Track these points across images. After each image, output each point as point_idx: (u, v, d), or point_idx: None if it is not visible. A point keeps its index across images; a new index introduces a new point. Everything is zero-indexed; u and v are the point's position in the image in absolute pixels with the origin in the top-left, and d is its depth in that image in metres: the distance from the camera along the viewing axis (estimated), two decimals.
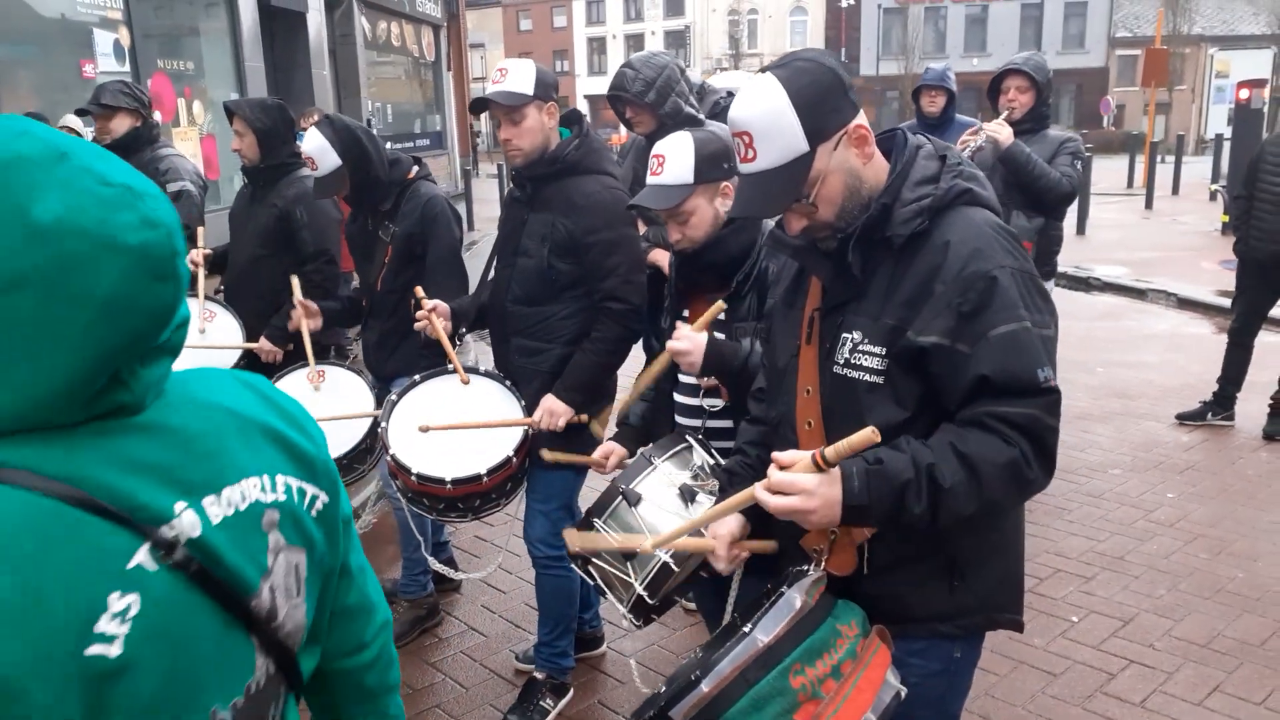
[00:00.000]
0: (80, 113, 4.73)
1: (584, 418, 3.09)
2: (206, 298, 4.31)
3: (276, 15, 14.26)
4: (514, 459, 3.06)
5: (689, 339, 2.54)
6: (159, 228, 0.96)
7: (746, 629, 1.68)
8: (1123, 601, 3.91)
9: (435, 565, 3.50)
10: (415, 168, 3.78)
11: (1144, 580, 4.08)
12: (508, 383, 3.21)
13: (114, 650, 0.89)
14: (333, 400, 3.76)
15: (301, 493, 1.14)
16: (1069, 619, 3.79)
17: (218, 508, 1.02)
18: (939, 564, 1.79)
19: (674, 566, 2.39)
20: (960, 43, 44.25)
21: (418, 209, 3.64)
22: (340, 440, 3.63)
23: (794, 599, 1.73)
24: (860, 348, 1.75)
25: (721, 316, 2.69)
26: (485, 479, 3.02)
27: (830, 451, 1.59)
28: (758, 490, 1.67)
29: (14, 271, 0.88)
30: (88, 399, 0.96)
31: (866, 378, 1.74)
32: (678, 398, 2.78)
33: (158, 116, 10.57)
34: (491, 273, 3.29)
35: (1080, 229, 14.46)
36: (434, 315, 3.19)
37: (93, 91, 4.58)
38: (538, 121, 2.97)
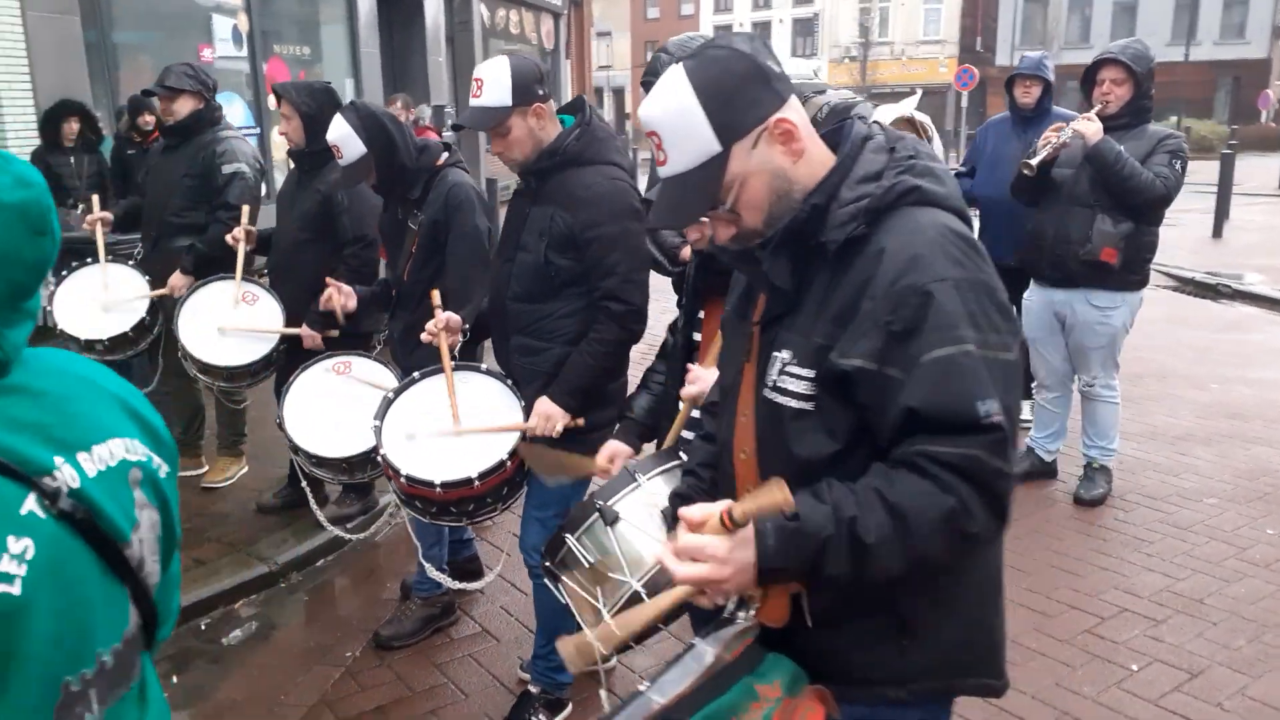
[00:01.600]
0: (146, 94, 4.82)
1: (580, 422, 2.93)
2: (252, 280, 4.35)
3: (394, 2, 14.54)
4: (509, 463, 2.93)
5: (700, 379, 2.36)
6: (33, 186, 1.03)
7: (643, 687, 1.48)
8: (1194, 651, 3.51)
9: (433, 573, 3.40)
10: (445, 154, 3.69)
11: (1223, 628, 3.66)
12: (509, 382, 3.08)
13: (15, 589, 0.96)
14: (357, 391, 3.71)
15: (150, 459, 1.19)
16: (1128, 667, 3.42)
17: (92, 463, 1.08)
18: (886, 620, 1.55)
19: (644, 596, 2.21)
20: (1106, 32, 41.93)
21: (443, 196, 3.55)
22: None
23: (705, 653, 1.53)
24: (788, 369, 1.52)
25: None
26: (477, 483, 2.90)
27: (739, 512, 1.39)
28: (665, 557, 1.48)
29: None
30: None
31: (793, 403, 1.52)
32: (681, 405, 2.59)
33: (250, 98, 10.91)
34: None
35: (1217, 231, 13.47)
36: (443, 333, 3.06)
37: (160, 73, 4.66)
38: (524, 129, 2.81)
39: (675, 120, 1.49)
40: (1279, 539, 4.39)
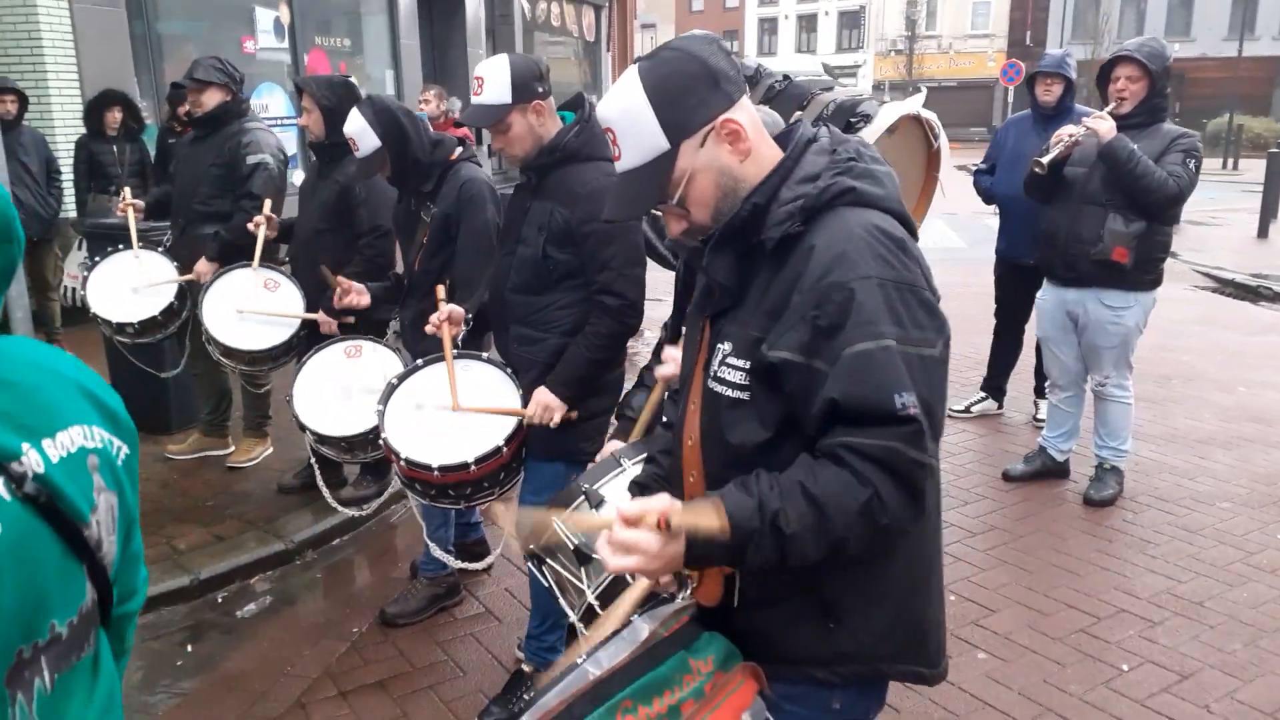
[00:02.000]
0: (176, 86, 4.97)
1: (574, 415, 3.01)
2: (274, 267, 4.49)
3: None
4: (504, 449, 3.02)
5: (673, 359, 2.43)
6: None
7: (580, 659, 1.57)
8: (1187, 653, 3.51)
9: (436, 553, 3.51)
10: (459, 149, 3.79)
11: (1220, 631, 3.65)
12: (508, 370, 3.17)
13: None
14: (365, 375, 3.84)
15: (110, 443, 1.27)
16: (1119, 667, 3.43)
17: (54, 449, 1.16)
18: (813, 603, 1.62)
19: (629, 577, 2.29)
20: (1161, 26, 41.05)
21: (455, 190, 3.65)
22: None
23: (641, 629, 1.61)
24: (728, 360, 1.60)
25: None
26: (473, 468, 2.99)
27: (676, 522, 1.46)
28: (600, 547, 1.56)
29: None
30: None
31: (730, 393, 1.60)
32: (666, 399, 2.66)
33: (291, 90, 11.14)
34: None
35: (1262, 232, 13.20)
36: (446, 324, 3.16)
37: (189, 66, 4.80)
38: (524, 126, 2.89)
39: (628, 118, 1.58)
40: None
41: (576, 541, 2.38)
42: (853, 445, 1.44)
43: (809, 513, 1.44)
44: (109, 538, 1.24)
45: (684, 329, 2.37)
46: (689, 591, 1.70)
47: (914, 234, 1.62)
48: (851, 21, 48.54)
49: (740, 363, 1.57)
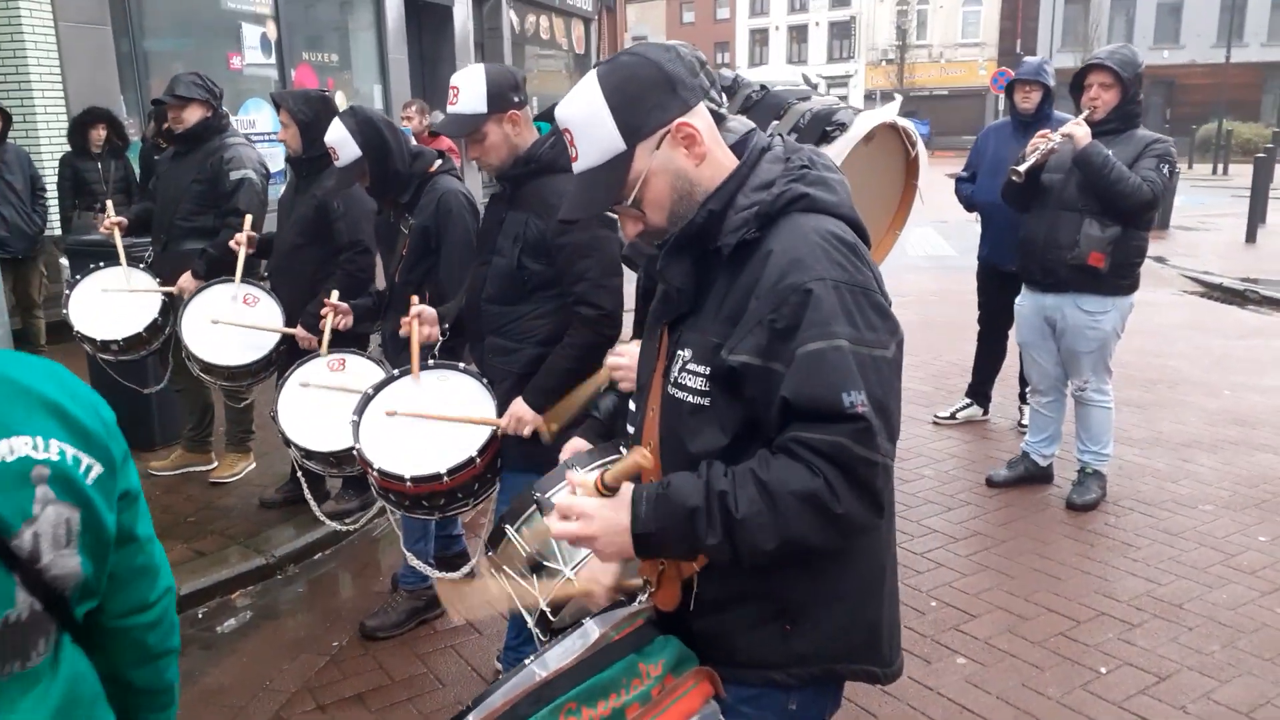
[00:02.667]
0: (157, 103, 4.99)
1: (553, 427, 3.02)
2: (253, 282, 4.50)
3: (423, 9, 14.76)
4: (478, 460, 3.03)
5: (629, 353, 2.43)
6: None
7: (528, 661, 1.58)
8: (1165, 655, 3.51)
9: (414, 564, 3.52)
10: (438, 162, 3.81)
11: (1198, 633, 3.66)
12: (484, 381, 3.18)
13: None
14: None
15: (77, 460, 1.26)
16: (1097, 670, 3.43)
17: None
18: (770, 606, 1.63)
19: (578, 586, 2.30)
20: (1150, 33, 41.33)
21: (433, 202, 3.67)
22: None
23: (591, 631, 1.62)
24: (688, 366, 1.62)
25: None
26: (445, 479, 3.00)
27: (609, 476, 1.51)
28: (550, 516, 1.58)
29: None
30: None
31: (690, 399, 1.61)
32: (632, 405, 2.67)
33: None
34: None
35: (1250, 236, 13.23)
36: (416, 321, 3.19)
37: (168, 83, 4.82)
38: (500, 135, 2.91)
39: (585, 119, 1.60)
40: (1271, 545, 4.37)
41: (530, 550, 2.39)
42: (802, 439, 1.46)
43: (759, 498, 1.46)
44: (53, 550, 1.23)
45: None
46: (646, 596, 1.70)
47: (866, 239, 1.64)
48: (842, 32, 48.80)
49: (700, 369, 1.59)
